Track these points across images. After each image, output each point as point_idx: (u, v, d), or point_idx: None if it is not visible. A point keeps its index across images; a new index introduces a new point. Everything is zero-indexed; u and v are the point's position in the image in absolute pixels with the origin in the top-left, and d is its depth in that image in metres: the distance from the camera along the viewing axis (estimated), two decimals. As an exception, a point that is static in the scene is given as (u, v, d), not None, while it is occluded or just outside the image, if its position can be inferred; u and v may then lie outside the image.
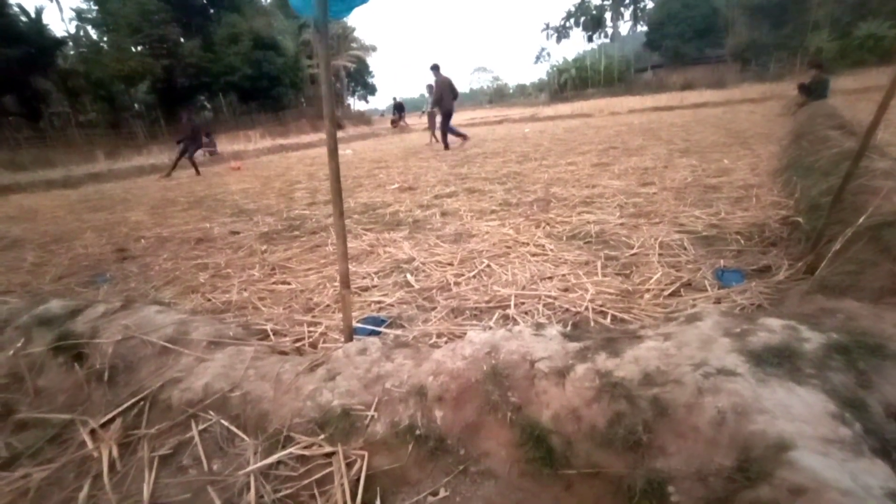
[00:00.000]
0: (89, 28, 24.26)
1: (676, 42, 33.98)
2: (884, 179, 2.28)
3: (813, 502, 0.69)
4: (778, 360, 0.94)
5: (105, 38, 23.78)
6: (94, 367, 1.47)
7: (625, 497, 0.86)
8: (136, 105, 25.00)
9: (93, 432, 1.29)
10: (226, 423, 1.24)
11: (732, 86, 22.26)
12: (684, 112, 13.46)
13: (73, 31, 24.08)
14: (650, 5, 43.17)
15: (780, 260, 2.14)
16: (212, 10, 26.54)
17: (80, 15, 24.00)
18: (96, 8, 23.42)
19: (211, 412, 1.27)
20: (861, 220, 1.75)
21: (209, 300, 2.43)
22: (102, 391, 1.41)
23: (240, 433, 1.23)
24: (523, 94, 50.41)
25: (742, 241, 2.46)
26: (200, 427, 1.23)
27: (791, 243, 2.31)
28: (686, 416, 0.86)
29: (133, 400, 1.31)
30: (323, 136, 1.33)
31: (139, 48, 22.77)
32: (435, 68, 9.29)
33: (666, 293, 1.95)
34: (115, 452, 1.21)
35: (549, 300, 1.98)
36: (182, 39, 24.15)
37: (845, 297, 1.39)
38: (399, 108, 22.27)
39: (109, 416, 1.30)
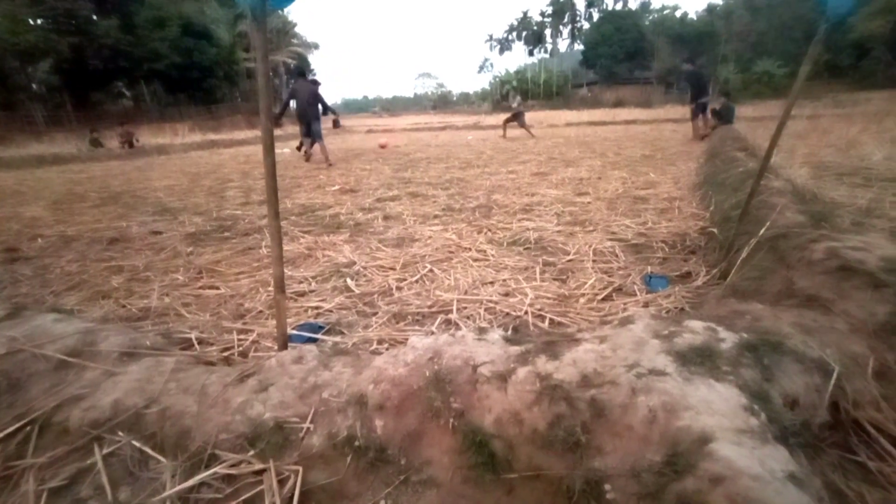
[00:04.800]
0: (-25, -5, 21.11)
1: (610, 62, 36.65)
2: (779, 196, 2.59)
3: (729, 489, 0.74)
4: (700, 360, 1.02)
5: (-5, 7, 20.78)
6: (-33, 387, 1.24)
7: (564, 497, 0.87)
8: (34, 85, 22.06)
9: (-37, 466, 1.09)
10: (138, 444, 1.10)
11: (658, 106, 24.42)
12: (616, 127, 14.50)
13: (-47, -5, 20.83)
14: (586, 26, 46.15)
15: (699, 267, 2.35)
16: (133, -12, 24.26)
17: (-36, -22, 20.84)
18: (-14, -29, 20.46)
19: (120, 433, 1.13)
20: (761, 231, 1.97)
21: (124, 306, 2.19)
22: (-23, 417, 1.19)
23: (155, 454, 1.10)
24: (467, 102, 51.53)
25: (667, 249, 2.67)
26: (106, 451, 1.08)
27: (708, 251, 2.55)
28: (621, 416, 0.90)
29: (17, 425, 1.12)
30: (259, 133, 1.24)
31: (39, 21, 20.13)
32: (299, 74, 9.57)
33: (599, 297, 2.06)
34: (-11, 489, 1.03)
35: (491, 304, 2.00)
36: (95, 17, 21.73)
37: (752, 299, 1.55)
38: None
39: (-19, 446, 1.10)
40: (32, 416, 1.15)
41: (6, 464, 1.08)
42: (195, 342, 1.75)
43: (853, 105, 14.52)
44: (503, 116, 14.17)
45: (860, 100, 16.14)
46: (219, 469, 1.03)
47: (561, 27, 50.39)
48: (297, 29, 37.28)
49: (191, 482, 1.01)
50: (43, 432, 1.14)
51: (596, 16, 45.25)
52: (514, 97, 13.65)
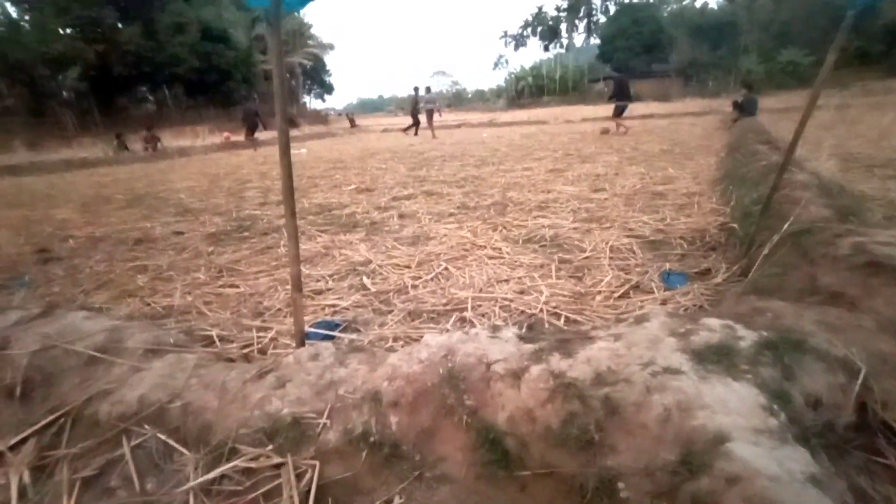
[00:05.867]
0: (7, 4, 21.83)
1: (626, 55, 35.88)
2: (803, 190, 2.51)
3: (746, 490, 0.73)
4: (717, 358, 1.00)
5: (27, 17, 21.49)
6: (4, 382, 1.31)
7: (577, 495, 0.87)
8: (64, 92, 22.83)
9: (0, 456, 1.15)
10: (163, 437, 1.15)
11: (676, 99, 23.82)
12: (633, 122, 14.20)
13: (-15, 5, 21.57)
14: (602, 19, 45.34)
15: (718, 263, 2.30)
16: (154, -4, 24.86)
17: (-4, -11, 21.61)
18: (16, -18, 21.21)
19: (146, 426, 1.17)
20: (785, 227, 1.91)
21: (148, 305, 2.26)
22: (13, 409, 1.25)
23: (179, 447, 1.14)
24: (482, 100, 51.20)
25: (685, 246, 2.62)
26: (133, 443, 1.13)
27: (728, 248, 2.49)
28: (635, 414, 0.89)
29: (51, 417, 1.18)
30: (276, 134, 1.27)
31: (68, 30, 20.81)
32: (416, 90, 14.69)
33: (616, 295, 2.03)
34: (26, 478, 1.08)
35: (506, 302, 2.00)
36: (119, 24, 22.37)
37: (773, 297, 1.51)
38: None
39: (20, 436, 1.16)
40: (65, 408, 1.21)
41: (42, 453, 1.14)
42: (216, 339, 1.80)
43: (885, 93, 13.91)
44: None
45: (893, 87, 15.44)
46: (239, 462, 1.06)
47: (577, 21, 49.64)
48: (312, 30, 37.74)
49: (212, 474, 1.05)
50: (75, 424, 1.19)
51: (612, 9, 44.41)
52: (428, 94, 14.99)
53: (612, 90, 10.86)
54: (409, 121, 15.34)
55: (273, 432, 1.11)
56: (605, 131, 10.80)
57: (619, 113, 10.66)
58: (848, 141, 5.45)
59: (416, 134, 14.63)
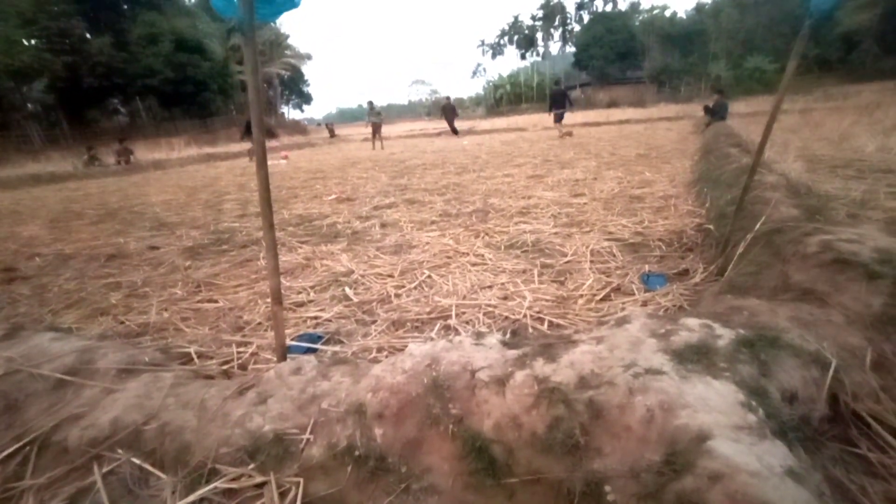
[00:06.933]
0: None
1: (601, 63, 36.82)
2: (773, 191, 2.60)
3: (728, 486, 0.74)
4: (697, 357, 1.02)
5: (-10, 29, 20.87)
6: (-34, 410, 1.24)
7: (565, 500, 0.87)
8: (29, 105, 22.13)
9: (-38, 488, 1.08)
10: (137, 462, 1.10)
11: (651, 105, 24.53)
12: (610, 128, 14.56)
13: (-53, 18, 20.88)
14: (577, 28, 46.44)
15: (696, 264, 2.35)
16: (125, 6, 24.42)
17: (-42, 1, 20.93)
18: (-21, -6, 20.58)
19: (119, 450, 1.12)
20: (757, 226, 1.98)
21: (122, 323, 2.19)
22: (-26, 439, 1.19)
23: (155, 471, 1.09)
24: (461, 108, 51.64)
25: (664, 248, 2.67)
26: (105, 469, 1.08)
27: (705, 248, 2.55)
28: (619, 417, 0.90)
29: (15, 446, 1.11)
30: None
31: (33, 42, 20.25)
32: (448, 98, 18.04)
33: (598, 298, 2.06)
34: (-11, 511, 1.02)
35: (490, 309, 2.00)
36: (89, 35, 21.88)
37: (749, 295, 1.55)
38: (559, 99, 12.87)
39: (-19, 468, 1.09)
40: (31, 436, 1.15)
41: (5, 485, 1.07)
42: (194, 356, 1.75)
43: (844, 98, 14.62)
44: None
45: (851, 92, 16.24)
46: (219, 484, 1.02)
47: (552, 30, 50.70)
48: (290, 41, 37.57)
49: (191, 497, 1.01)
50: (42, 453, 1.13)
51: (586, 18, 45.57)
52: (373, 110, 16.20)
53: (553, 100, 13.00)
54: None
55: (255, 450, 1.08)
56: (566, 135, 11.96)
57: (558, 119, 12.53)
58: (812, 143, 5.69)
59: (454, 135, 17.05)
